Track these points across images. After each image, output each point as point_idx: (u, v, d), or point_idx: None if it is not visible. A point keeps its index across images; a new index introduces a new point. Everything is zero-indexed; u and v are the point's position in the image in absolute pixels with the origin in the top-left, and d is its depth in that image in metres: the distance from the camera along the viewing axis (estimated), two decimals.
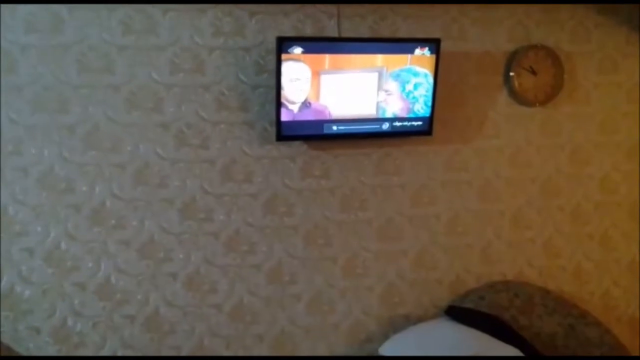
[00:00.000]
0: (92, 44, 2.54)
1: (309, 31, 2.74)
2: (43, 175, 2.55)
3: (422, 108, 2.79)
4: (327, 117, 2.69)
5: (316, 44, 2.62)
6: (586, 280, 3.28)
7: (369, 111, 2.74)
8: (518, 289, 3.05)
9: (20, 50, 2.47)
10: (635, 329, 3.34)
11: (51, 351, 2.62)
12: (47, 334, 2.61)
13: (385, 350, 2.79)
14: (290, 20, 2.71)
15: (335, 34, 2.75)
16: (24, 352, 2.59)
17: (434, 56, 2.73)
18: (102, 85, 2.56)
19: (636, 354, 3.06)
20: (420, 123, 2.82)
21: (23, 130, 2.51)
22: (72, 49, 2.52)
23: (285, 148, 2.79)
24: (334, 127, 2.72)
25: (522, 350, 2.57)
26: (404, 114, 2.78)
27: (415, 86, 2.74)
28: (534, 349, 2.69)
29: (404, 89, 2.74)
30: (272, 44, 2.59)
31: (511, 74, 3.01)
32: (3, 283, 2.55)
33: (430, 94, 2.78)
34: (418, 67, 2.72)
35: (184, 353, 2.77)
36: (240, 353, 2.84)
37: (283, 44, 2.53)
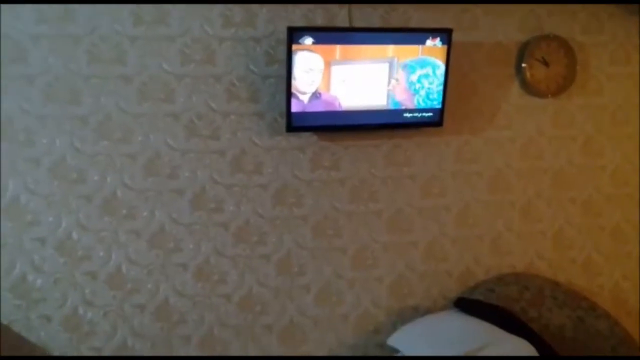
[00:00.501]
0: (103, 34, 2.53)
1: (319, 21, 2.72)
2: (55, 165, 2.56)
3: (422, 101, 2.77)
4: (337, 108, 2.68)
5: (327, 34, 2.60)
6: (596, 273, 3.26)
7: (379, 102, 2.73)
8: (528, 282, 3.04)
9: (31, 40, 2.47)
10: None
11: (62, 339, 2.64)
12: (58, 323, 2.64)
13: (393, 341, 2.79)
14: (300, 10, 2.70)
15: (346, 24, 2.74)
16: (35, 341, 2.61)
17: (445, 47, 2.71)
18: (114, 76, 2.56)
19: None
20: (431, 114, 2.81)
21: (35, 121, 2.52)
22: (83, 40, 2.52)
23: (295, 139, 2.79)
24: (345, 118, 2.72)
25: (530, 342, 2.56)
26: (409, 105, 2.77)
27: (420, 78, 2.73)
28: (543, 341, 2.69)
29: (408, 80, 2.73)
30: (283, 34, 2.57)
31: (523, 65, 2.98)
32: (15, 272, 2.57)
33: (441, 85, 2.76)
34: (429, 57, 2.71)
35: (193, 342, 2.79)
36: (249, 343, 2.85)
37: (294, 34, 2.52)
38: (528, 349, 2.51)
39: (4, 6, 2.43)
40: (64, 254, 2.61)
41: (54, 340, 2.64)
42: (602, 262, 3.26)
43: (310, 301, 2.92)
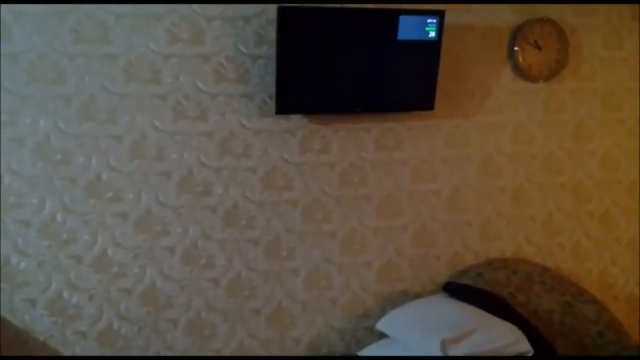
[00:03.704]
0: (88, 11, 2.47)
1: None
2: (38, 146, 2.51)
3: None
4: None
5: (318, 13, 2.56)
6: (585, 258, 3.27)
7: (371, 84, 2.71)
8: (516, 266, 3.05)
9: (15, 18, 2.40)
10: (632, 307, 3.35)
11: (47, 323, 2.62)
12: (43, 307, 2.61)
13: (382, 325, 2.78)
14: None
15: (337, 4, 2.68)
16: (19, 324, 2.58)
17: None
18: (99, 55, 2.50)
19: (633, 331, 3.06)
20: (422, 97, 2.78)
21: (18, 100, 2.46)
22: (67, 17, 2.45)
23: (284, 121, 2.75)
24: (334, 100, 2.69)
25: (518, 326, 2.56)
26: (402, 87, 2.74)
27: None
28: (531, 326, 2.69)
29: None
30: (273, 14, 2.52)
31: (515, 48, 2.95)
32: None
33: (432, 67, 2.73)
34: None
35: (180, 326, 2.77)
36: (238, 327, 2.84)
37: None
38: (515, 334, 2.51)
39: None
40: (48, 236, 2.57)
41: (39, 324, 2.61)
42: (590, 247, 3.27)
43: (299, 285, 2.90)
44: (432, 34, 2.64)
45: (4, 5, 2.38)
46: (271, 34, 2.60)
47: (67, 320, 2.64)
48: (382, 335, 2.81)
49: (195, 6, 2.56)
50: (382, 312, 2.93)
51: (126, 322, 2.70)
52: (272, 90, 2.62)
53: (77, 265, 2.62)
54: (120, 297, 2.68)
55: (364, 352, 2.78)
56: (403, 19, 2.58)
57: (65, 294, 2.62)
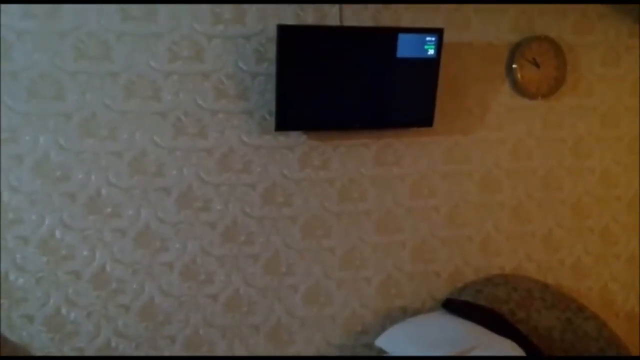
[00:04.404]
0: (90, 30, 2.49)
1: (310, 19, 2.69)
2: (38, 162, 2.51)
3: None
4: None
5: (317, 32, 2.58)
6: (585, 275, 3.26)
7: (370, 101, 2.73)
8: (516, 283, 3.04)
9: (16, 35, 2.42)
10: (633, 324, 3.34)
11: (44, 339, 2.60)
12: (41, 323, 2.60)
13: (381, 342, 2.77)
14: (291, 7, 2.67)
15: (336, 22, 2.71)
16: (17, 340, 2.57)
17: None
18: (100, 73, 2.52)
19: (633, 348, 3.05)
20: (421, 114, 2.79)
21: (18, 117, 2.47)
22: (69, 35, 2.47)
23: (284, 138, 2.76)
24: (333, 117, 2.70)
25: (518, 343, 2.55)
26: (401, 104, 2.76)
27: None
28: (531, 343, 2.68)
29: None
30: (273, 32, 2.55)
31: (514, 65, 2.97)
32: None
33: (431, 84, 2.75)
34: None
35: (178, 343, 2.76)
36: (236, 343, 2.83)
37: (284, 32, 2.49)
38: (516, 351, 2.50)
39: None
40: (47, 252, 2.57)
41: (36, 340, 2.60)
42: (591, 263, 3.26)
43: (298, 301, 2.89)
44: (431, 52, 2.66)
45: (5, 24, 2.40)
46: (271, 51, 2.62)
47: (64, 336, 2.63)
48: (381, 352, 2.80)
49: (196, 25, 2.58)
50: (382, 328, 2.92)
51: (124, 338, 2.69)
52: (272, 107, 2.64)
53: (75, 281, 2.61)
54: (118, 313, 2.67)
55: None
56: (402, 37, 2.62)
57: (64, 310, 2.62)
